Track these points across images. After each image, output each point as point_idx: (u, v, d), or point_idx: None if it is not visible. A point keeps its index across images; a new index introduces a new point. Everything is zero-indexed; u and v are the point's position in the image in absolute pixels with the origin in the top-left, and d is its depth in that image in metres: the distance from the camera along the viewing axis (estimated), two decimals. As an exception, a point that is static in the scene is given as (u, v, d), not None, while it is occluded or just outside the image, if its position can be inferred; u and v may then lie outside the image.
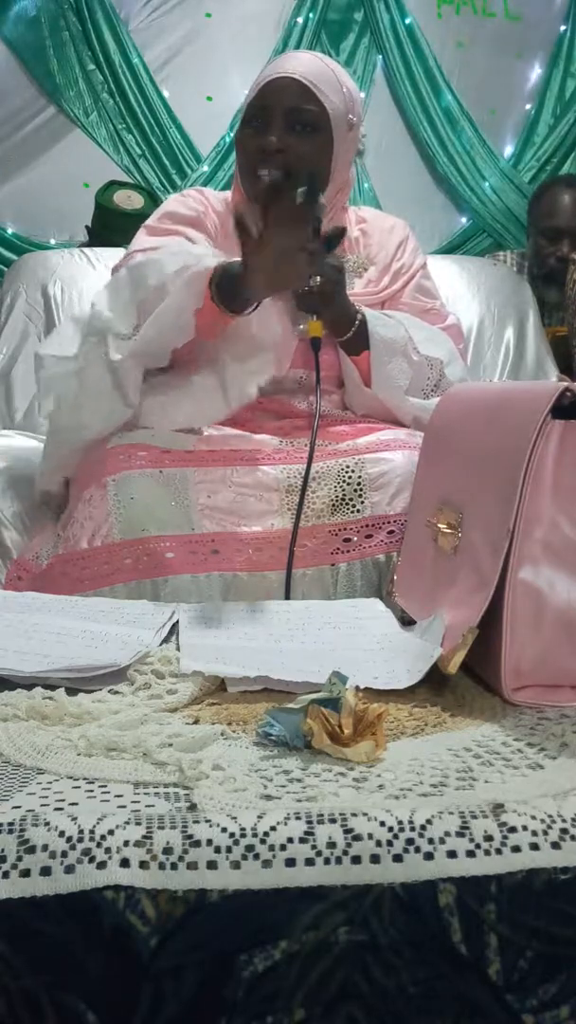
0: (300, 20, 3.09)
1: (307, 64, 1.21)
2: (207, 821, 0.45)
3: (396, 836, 0.45)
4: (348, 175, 1.27)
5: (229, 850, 0.44)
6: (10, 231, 2.98)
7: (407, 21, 3.15)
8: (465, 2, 3.19)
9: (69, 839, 0.44)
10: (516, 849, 0.45)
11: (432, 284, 1.35)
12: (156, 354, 1.07)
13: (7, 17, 2.92)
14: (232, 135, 3.01)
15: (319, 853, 0.44)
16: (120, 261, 1.22)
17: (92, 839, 0.44)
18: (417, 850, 0.44)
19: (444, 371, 1.21)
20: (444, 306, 1.36)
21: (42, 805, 0.47)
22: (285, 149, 1.16)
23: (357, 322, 1.16)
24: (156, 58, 3.05)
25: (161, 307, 1.03)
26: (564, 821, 0.46)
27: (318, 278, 1.10)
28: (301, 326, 1.18)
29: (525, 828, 0.46)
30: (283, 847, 0.44)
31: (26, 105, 2.98)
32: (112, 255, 1.70)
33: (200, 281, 1.03)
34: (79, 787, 0.50)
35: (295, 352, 1.19)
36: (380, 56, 3.18)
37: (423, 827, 0.45)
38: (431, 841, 0.45)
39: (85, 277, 1.67)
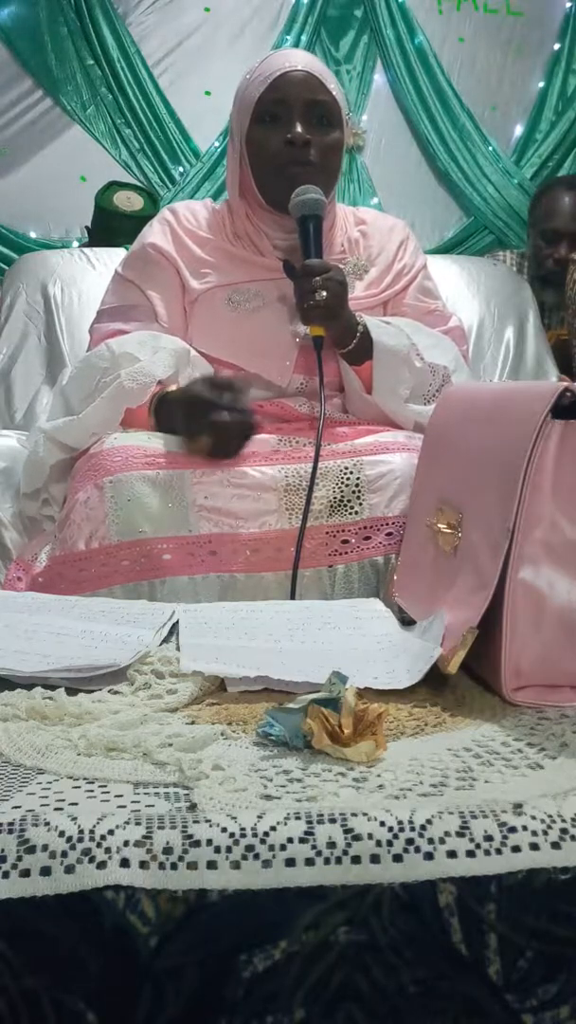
0: (300, 16, 3.09)
1: (309, 58, 1.23)
2: (207, 821, 0.45)
3: (396, 836, 0.45)
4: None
5: (229, 850, 0.44)
6: (6, 226, 2.97)
7: (408, 17, 3.14)
8: (466, -2, 3.19)
9: (69, 839, 0.44)
10: (516, 849, 0.45)
11: (433, 284, 1.35)
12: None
13: (5, 11, 2.91)
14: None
15: (319, 853, 0.44)
16: (93, 325, 1.29)
17: (92, 839, 0.44)
18: (417, 850, 0.45)
19: (451, 378, 1.21)
20: (446, 306, 1.35)
21: (42, 805, 0.47)
22: (311, 141, 1.16)
23: (359, 333, 1.16)
24: (154, 52, 3.04)
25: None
26: (564, 821, 0.46)
27: (324, 293, 1.09)
28: (302, 331, 1.18)
29: (525, 828, 0.46)
30: (283, 847, 0.44)
31: (23, 99, 2.98)
32: (112, 255, 1.69)
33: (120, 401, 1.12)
34: (79, 787, 0.50)
35: (296, 358, 1.19)
36: (380, 53, 3.17)
37: (423, 827, 0.45)
38: (431, 841, 0.45)
39: (85, 277, 1.66)
